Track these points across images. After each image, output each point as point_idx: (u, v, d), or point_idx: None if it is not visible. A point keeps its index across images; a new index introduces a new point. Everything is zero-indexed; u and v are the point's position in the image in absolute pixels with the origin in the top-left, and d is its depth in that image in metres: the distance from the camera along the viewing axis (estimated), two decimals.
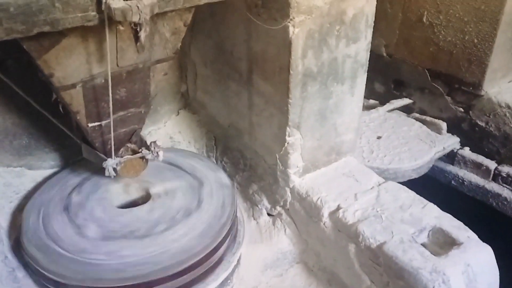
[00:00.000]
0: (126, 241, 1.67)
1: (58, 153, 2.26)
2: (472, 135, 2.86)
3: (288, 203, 2.10)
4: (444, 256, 1.57)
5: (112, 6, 1.17)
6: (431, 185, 2.81)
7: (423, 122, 2.93)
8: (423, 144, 2.69)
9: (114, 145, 1.76)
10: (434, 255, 1.58)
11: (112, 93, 1.54)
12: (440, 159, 2.85)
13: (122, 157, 1.83)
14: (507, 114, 2.66)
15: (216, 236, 1.77)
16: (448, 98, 2.92)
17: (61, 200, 1.87)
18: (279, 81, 1.87)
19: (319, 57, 1.83)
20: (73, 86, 1.48)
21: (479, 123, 2.81)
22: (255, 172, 2.30)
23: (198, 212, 1.82)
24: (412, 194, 1.91)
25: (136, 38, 1.29)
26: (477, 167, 2.76)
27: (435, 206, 1.83)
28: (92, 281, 1.59)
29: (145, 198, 1.95)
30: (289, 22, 1.68)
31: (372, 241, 1.68)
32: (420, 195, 1.92)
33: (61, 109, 1.73)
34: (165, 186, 1.95)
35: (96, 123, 1.68)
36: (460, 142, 2.85)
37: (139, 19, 1.20)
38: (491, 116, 2.75)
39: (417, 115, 3.04)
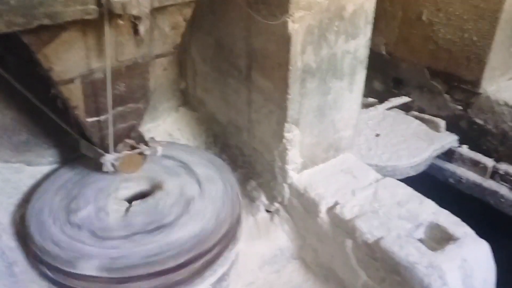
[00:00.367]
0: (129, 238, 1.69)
1: (57, 149, 2.26)
2: (470, 133, 2.86)
3: (286, 199, 2.11)
4: (441, 251, 1.58)
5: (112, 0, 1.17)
6: (429, 183, 2.81)
7: (422, 120, 2.93)
8: (421, 142, 2.70)
9: (112, 140, 1.76)
10: (430, 250, 1.59)
11: (111, 88, 1.54)
12: (438, 156, 2.85)
13: (120, 152, 1.83)
14: (505, 112, 2.66)
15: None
16: (447, 96, 2.93)
17: (64, 198, 1.88)
18: (278, 78, 1.88)
19: (318, 53, 1.84)
20: (72, 80, 1.49)
21: (477, 121, 2.81)
22: (253, 169, 2.31)
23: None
24: (409, 190, 1.92)
25: (135, 32, 1.29)
26: (475, 165, 2.77)
27: (432, 202, 1.84)
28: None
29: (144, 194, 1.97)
30: (288, 17, 1.69)
31: (369, 237, 1.69)
32: (418, 193, 1.93)
33: (59, 104, 1.73)
34: (167, 186, 1.96)
35: (95, 118, 1.68)
36: (458, 140, 2.86)
37: (139, 12, 1.20)
38: (489, 114, 2.75)
39: (416, 113, 3.05)
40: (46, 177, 2.09)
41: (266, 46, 1.89)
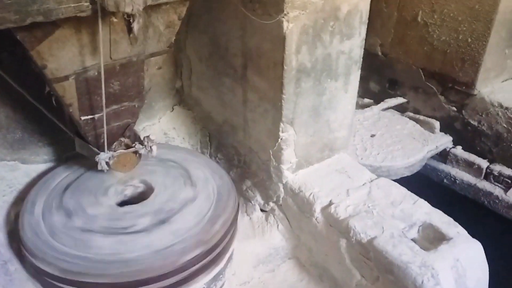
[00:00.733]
0: (125, 237, 1.68)
1: (52, 148, 2.26)
2: (464, 134, 2.87)
3: (281, 199, 2.11)
4: (434, 251, 1.58)
5: None
6: (424, 184, 2.82)
7: (417, 121, 2.94)
8: (416, 142, 2.70)
9: (107, 139, 1.76)
10: (423, 250, 1.59)
11: (105, 86, 1.54)
12: (433, 157, 2.86)
13: (115, 151, 1.83)
14: (500, 114, 2.68)
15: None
16: (442, 98, 2.94)
17: (57, 197, 1.88)
18: (273, 77, 1.88)
19: (313, 52, 1.84)
20: (66, 78, 1.48)
21: (472, 122, 2.83)
22: (249, 168, 2.31)
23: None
24: (403, 190, 1.92)
25: (129, 30, 1.29)
26: (469, 166, 2.78)
27: (426, 202, 1.85)
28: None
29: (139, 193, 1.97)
30: (283, 17, 1.69)
31: (363, 236, 1.69)
32: (412, 193, 1.93)
33: (54, 102, 1.73)
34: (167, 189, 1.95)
35: (89, 116, 1.68)
36: (453, 141, 2.87)
37: (132, 10, 1.21)
38: (483, 115, 2.76)
39: (411, 114, 3.06)
40: (41, 176, 2.09)
41: (261, 45, 1.89)
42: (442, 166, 2.89)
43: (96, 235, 1.68)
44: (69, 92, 1.53)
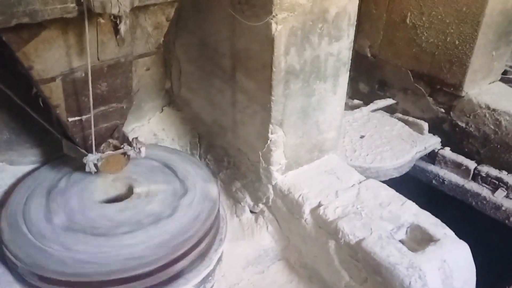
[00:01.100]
0: (110, 239, 1.67)
1: (40, 149, 2.23)
2: (452, 135, 2.90)
3: (270, 200, 2.11)
4: (421, 252, 1.59)
5: None
6: (413, 185, 2.84)
7: (406, 122, 2.96)
8: (405, 143, 2.72)
9: (95, 140, 1.75)
10: (411, 251, 1.60)
11: (92, 87, 1.53)
12: (422, 158, 2.88)
13: (103, 152, 1.82)
14: (487, 115, 2.70)
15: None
16: (430, 99, 2.97)
17: (40, 197, 1.86)
18: (262, 78, 1.88)
19: (302, 54, 1.84)
20: (53, 79, 1.47)
21: (460, 123, 2.85)
22: (238, 170, 2.31)
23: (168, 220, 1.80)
24: (391, 191, 1.93)
25: (116, 31, 1.28)
26: (457, 167, 2.81)
27: (414, 203, 1.86)
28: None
29: (126, 195, 1.95)
30: (271, 19, 1.69)
31: (352, 238, 1.70)
32: (402, 194, 1.95)
33: (41, 103, 1.71)
34: (150, 187, 1.94)
35: (77, 118, 1.67)
36: (441, 142, 2.90)
37: (119, 11, 1.20)
38: (471, 117, 2.79)
39: (400, 115, 3.08)
40: (24, 176, 2.06)
41: (250, 46, 1.90)
42: (430, 167, 2.91)
43: (80, 235, 1.67)
44: (56, 94, 1.52)
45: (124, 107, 1.79)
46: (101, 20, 1.32)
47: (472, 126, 2.79)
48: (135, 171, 2.00)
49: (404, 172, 2.62)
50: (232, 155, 2.34)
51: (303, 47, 1.84)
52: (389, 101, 3.19)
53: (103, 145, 1.85)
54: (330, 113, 2.11)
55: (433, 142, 2.85)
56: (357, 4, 1.93)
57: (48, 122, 1.89)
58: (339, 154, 2.31)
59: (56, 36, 1.35)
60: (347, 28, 1.94)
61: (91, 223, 1.73)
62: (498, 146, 2.69)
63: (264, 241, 2.12)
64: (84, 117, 1.68)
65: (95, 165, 1.79)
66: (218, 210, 1.94)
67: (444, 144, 2.90)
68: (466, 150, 2.85)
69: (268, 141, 1.98)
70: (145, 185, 1.94)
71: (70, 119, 1.65)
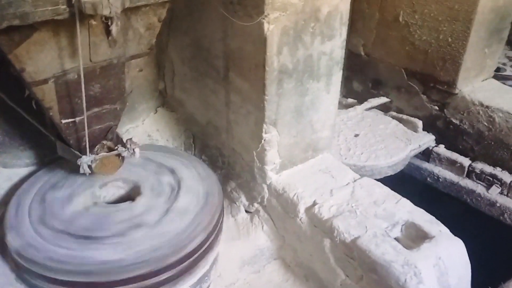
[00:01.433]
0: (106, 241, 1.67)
1: (33, 151, 2.23)
2: (447, 132, 2.91)
3: (265, 200, 2.11)
4: (416, 250, 1.60)
5: (83, 0, 1.16)
6: (407, 182, 2.85)
7: (400, 120, 2.97)
8: (399, 141, 2.73)
9: (89, 142, 1.74)
10: (406, 248, 1.61)
11: (85, 89, 1.53)
12: (416, 156, 2.89)
13: (97, 154, 1.81)
14: (481, 112, 2.72)
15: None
16: (424, 97, 2.97)
17: (40, 200, 1.86)
18: (255, 78, 1.88)
19: (295, 54, 1.85)
20: (45, 81, 1.47)
21: (454, 121, 2.86)
22: (233, 170, 2.31)
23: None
24: (386, 189, 1.94)
25: (108, 33, 1.28)
26: (452, 164, 2.82)
27: (408, 201, 1.86)
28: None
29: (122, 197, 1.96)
30: (264, 18, 1.69)
31: (347, 236, 1.70)
32: (397, 192, 1.95)
33: (34, 105, 1.71)
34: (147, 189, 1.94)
35: (70, 120, 1.66)
36: (435, 139, 2.91)
37: (110, 12, 1.20)
38: (465, 114, 2.80)
39: (394, 113, 3.09)
40: (24, 180, 2.06)
41: (242, 47, 1.90)
42: (425, 165, 2.92)
43: (76, 238, 1.67)
44: (48, 96, 1.52)
45: (118, 108, 1.79)
46: (93, 22, 1.32)
47: (466, 123, 2.80)
48: (130, 172, 2.00)
49: (398, 170, 2.63)
50: (227, 155, 2.34)
51: (295, 46, 1.84)
52: (383, 100, 3.20)
53: (97, 146, 1.85)
54: (323, 112, 2.11)
55: (427, 139, 2.85)
56: (349, 3, 1.93)
57: (41, 124, 1.88)
58: (333, 153, 2.31)
59: (48, 38, 1.35)
60: (340, 27, 1.95)
61: (90, 226, 1.73)
62: (492, 143, 2.70)
63: (260, 240, 2.12)
64: (77, 119, 1.67)
65: (89, 166, 1.79)
66: (221, 214, 1.94)
67: (438, 142, 2.91)
68: (461, 147, 2.86)
69: (262, 141, 1.98)
70: (142, 187, 1.93)
71: (63, 121, 1.64)
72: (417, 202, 1.89)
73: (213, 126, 2.36)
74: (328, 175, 2.06)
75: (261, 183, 2.10)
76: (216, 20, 1.98)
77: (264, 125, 1.94)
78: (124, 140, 1.91)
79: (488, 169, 2.70)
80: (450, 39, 2.71)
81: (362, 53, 3.30)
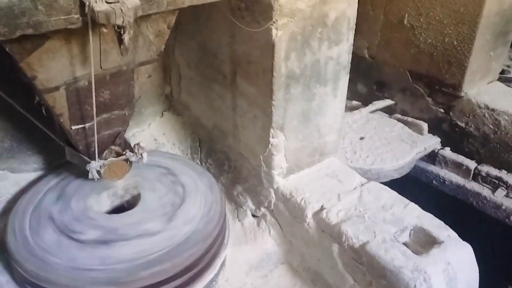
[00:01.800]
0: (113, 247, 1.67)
1: (41, 156, 2.24)
2: (452, 135, 2.91)
3: (272, 204, 2.12)
4: (425, 255, 1.60)
5: (96, 9, 1.17)
6: (413, 185, 2.85)
7: (405, 123, 2.97)
8: (405, 144, 2.73)
9: (98, 147, 1.75)
10: (415, 254, 1.61)
11: (95, 96, 1.53)
12: (422, 159, 2.89)
13: (106, 159, 1.82)
14: (486, 115, 2.72)
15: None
16: (429, 99, 2.98)
17: (46, 206, 1.86)
18: (262, 83, 1.89)
19: (302, 59, 1.85)
20: (56, 88, 1.47)
21: (459, 123, 2.86)
22: (239, 174, 2.31)
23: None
24: (394, 194, 1.94)
25: (120, 41, 1.29)
26: (458, 167, 2.82)
27: (416, 205, 1.87)
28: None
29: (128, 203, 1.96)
30: (272, 24, 1.70)
31: (355, 241, 1.71)
32: (402, 195, 1.96)
33: (44, 111, 1.72)
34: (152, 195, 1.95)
35: (80, 126, 1.67)
36: (441, 142, 2.91)
37: (123, 22, 1.20)
38: (470, 116, 2.80)
39: (399, 116, 3.09)
40: (31, 184, 2.07)
41: (250, 52, 1.90)
42: (431, 168, 2.92)
43: (84, 245, 1.68)
44: (59, 102, 1.52)
45: (126, 114, 1.80)
46: (104, 30, 1.32)
47: (472, 126, 2.80)
48: (138, 178, 2.00)
49: (404, 173, 2.64)
50: (233, 159, 2.34)
51: (303, 51, 1.84)
52: (388, 102, 3.20)
53: (105, 151, 1.85)
54: (330, 117, 2.12)
55: (433, 142, 2.85)
56: (356, 8, 1.94)
57: (50, 130, 1.89)
58: (339, 156, 2.31)
59: (59, 46, 1.35)
60: (347, 32, 1.95)
61: (96, 232, 1.73)
62: (498, 146, 2.71)
63: (267, 245, 2.13)
64: (87, 125, 1.68)
65: (98, 171, 1.80)
66: (224, 220, 1.94)
67: (444, 144, 2.91)
68: (466, 150, 2.86)
69: (269, 145, 1.99)
70: (147, 193, 1.94)
71: (73, 127, 1.65)
72: (422, 205, 1.90)
73: (220, 130, 2.37)
74: (335, 179, 2.07)
75: (268, 187, 2.10)
76: (223, 25, 1.99)
77: (271, 130, 1.95)
78: (132, 145, 1.92)
79: (494, 171, 2.70)
80: (455, 42, 2.72)
81: (367, 56, 3.30)
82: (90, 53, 1.36)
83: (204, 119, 2.49)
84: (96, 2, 1.17)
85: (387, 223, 1.76)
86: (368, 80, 3.35)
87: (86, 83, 1.52)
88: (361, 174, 2.17)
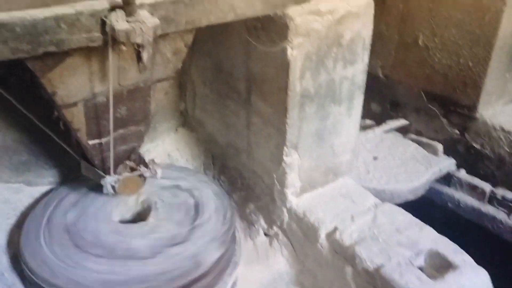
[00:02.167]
0: (128, 261, 1.68)
1: (57, 170, 2.26)
2: (467, 157, 2.88)
3: (285, 223, 2.11)
4: (440, 280, 1.57)
5: (116, 28, 1.19)
6: (428, 207, 2.81)
7: (419, 143, 2.95)
8: (419, 165, 2.71)
9: (113, 162, 1.77)
10: (430, 278, 1.58)
11: (113, 111, 1.55)
12: (437, 180, 2.85)
13: (120, 174, 1.84)
14: (502, 137, 2.69)
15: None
16: (444, 120, 2.95)
17: (60, 218, 1.87)
18: (277, 102, 1.90)
19: (317, 78, 1.86)
20: (75, 104, 1.50)
21: (475, 145, 2.83)
22: (252, 192, 2.31)
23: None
24: (408, 216, 1.92)
25: (139, 59, 1.31)
26: (473, 189, 2.77)
27: (432, 229, 1.84)
28: None
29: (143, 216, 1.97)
30: (287, 44, 1.71)
31: (369, 264, 1.68)
32: (416, 217, 1.93)
33: (61, 126, 1.74)
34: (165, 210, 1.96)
35: (96, 141, 1.69)
36: (456, 164, 2.87)
37: (142, 40, 1.22)
38: (486, 138, 2.77)
39: (413, 136, 3.06)
40: (43, 196, 2.09)
41: (265, 70, 1.92)
42: (445, 189, 2.88)
43: (96, 258, 1.70)
44: (77, 118, 1.55)
45: (142, 130, 1.81)
46: (123, 47, 1.34)
47: (487, 148, 2.77)
48: (150, 192, 2.01)
49: (419, 195, 2.60)
50: (246, 177, 2.34)
51: (318, 71, 1.85)
52: (402, 122, 3.18)
53: (120, 166, 1.87)
54: (345, 136, 2.11)
55: (448, 164, 2.82)
56: (371, 29, 1.95)
57: (67, 144, 1.91)
58: (352, 175, 2.30)
59: (80, 63, 1.38)
60: (362, 52, 1.96)
61: (110, 244, 1.74)
62: None
63: (279, 265, 2.11)
64: (103, 140, 1.70)
65: (113, 186, 1.81)
66: (233, 235, 1.94)
67: (459, 166, 2.87)
68: (482, 172, 2.82)
69: (283, 164, 1.98)
70: (160, 208, 1.95)
71: (90, 142, 1.67)
72: (437, 228, 1.87)
73: (233, 147, 2.38)
74: (349, 199, 2.05)
75: (281, 206, 2.09)
76: (239, 44, 2.01)
77: (285, 148, 1.94)
78: (146, 161, 1.93)
79: (510, 195, 2.65)
80: (471, 63, 2.70)
81: (380, 75, 3.30)
82: (110, 70, 1.39)
83: (218, 136, 2.50)
84: (117, 21, 1.19)
85: (402, 246, 1.74)
86: (382, 100, 3.34)
87: (104, 99, 1.54)
88: (374, 194, 2.14)
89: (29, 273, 1.68)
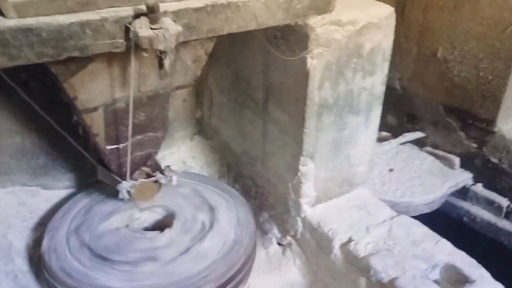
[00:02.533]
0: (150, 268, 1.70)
1: (74, 174, 2.29)
2: (484, 171, 2.84)
3: (299, 233, 2.10)
4: None
5: (140, 35, 1.21)
6: (443, 221, 2.77)
7: (436, 156, 2.92)
8: (436, 178, 2.68)
9: (129, 168, 1.78)
10: None
11: (132, 118, 1.57)
12: (453, 194, 2.82)
13: (136, 180, 1.85)
14: None
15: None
16: (462, 133, 2.92)
17: (85, 227, 1.90)
18: (294, 111, 1.90)
19: (336, 88, 1.86)
20: (95, 109, 1.52)
21: (492, 159, 2.79)
22: (266, 200, 2.30)
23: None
24: (424, 229, 1.89)
25: (160, 66, 1.32)
26: (490, 204, 2.73)
27: (448, 242, 1.82)
28: None
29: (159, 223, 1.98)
30: (307, 54, 1.72)
31: (384, 276, 1.67)
32: (432, 230, 1.91)
33: (81, 131, 1.76)
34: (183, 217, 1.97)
35: (114, 146, 1.71)
36: (473, 178, 2.83)
37: (165, 47, 1.24)
38: (504, 153, 2.73)
39: (430, 149, 3.03)
40: (63, 202, 2.11)
41: (283, 80, 1.92)
42: (461, 203, 2.84)
43: (95, 256, 1.73)
44: (97, 123, 1.57)
45: (159, 136, 1.83)
46: (145, 54, 1.36)
47: (505, 162, 2.72)
48: (167, 198, 2.02)
49: (435, 208, 2.58)
50: (261, 186, 2.34)
51: (337, 81, 1.85)
52: (419, 134, 3.15)
53: (136, 172, 1.88)
54: (361, 147, 2.10)
55: (464, 177, 2.78)
56: (391, 40, 1.95)
57: (84, 149, 1.93)
58: (368, 187, 2.28)
59: (101, 68, 1.40)
60: (381, 63, 1.96)
61: (112, 247, 1.78)
62: None
63: (292, 274, 2.09)
64: (121, 145, 1.72)
65: (128, 192, 1.82)
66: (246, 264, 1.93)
67: (475, 180, 2.83)
68: (499, 186, 2.77)
69: (299, 173, 1.98)
70: (175, 219, 1.95)
71: (108, 147, 1.69)
72: (452, 241, 1.84)
73: (249, 156, 2.38)
74: (364, 211, 2.03)
75: (295, 216, 2.09)
76: (258, 53, 2.02)
77: (301, 158, 1.94)
78: (162, 167, 1.94)
79: None
80: (490, 77, 2.67)
81: (398, 87, 3.28)
82: (131, 76, 1.40)
83: (234, 144, 2.50)
84: (141, 28, 1.21)
85: (417, 258, 1.72)
86: (399, 112, 3.32)
87: (124, 104, 1.56)
88: (390, 206, 2.13)
89: (53, 282, 1.70)
